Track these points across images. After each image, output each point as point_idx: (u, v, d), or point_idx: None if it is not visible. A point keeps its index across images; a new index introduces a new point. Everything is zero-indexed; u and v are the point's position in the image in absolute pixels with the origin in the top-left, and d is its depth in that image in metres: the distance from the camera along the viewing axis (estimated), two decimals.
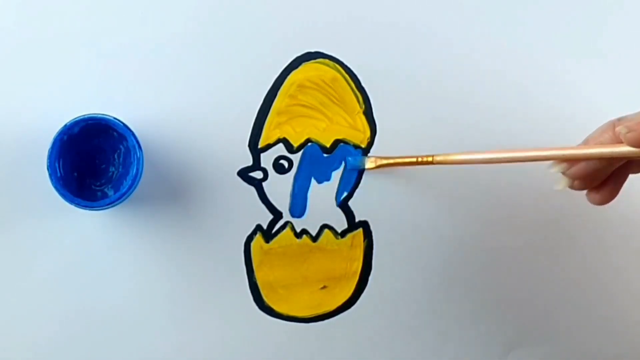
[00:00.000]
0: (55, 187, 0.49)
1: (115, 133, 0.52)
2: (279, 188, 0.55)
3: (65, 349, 0.53)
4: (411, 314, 0.56)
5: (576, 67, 0.57)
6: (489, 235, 0.57)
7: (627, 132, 0.43)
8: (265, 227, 0.55)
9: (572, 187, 0.47)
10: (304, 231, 0.55)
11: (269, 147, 0.55)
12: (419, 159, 0.52)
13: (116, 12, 0.53)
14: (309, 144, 0.55)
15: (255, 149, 0.54)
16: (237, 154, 0.54)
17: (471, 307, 0.57)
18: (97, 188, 0.53)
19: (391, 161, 0.54)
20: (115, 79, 0.53)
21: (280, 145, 0.55)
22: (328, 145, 0.55)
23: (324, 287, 0.56)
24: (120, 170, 0.53)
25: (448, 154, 0.50)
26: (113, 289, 0.53)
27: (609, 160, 0.45)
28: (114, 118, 0.50)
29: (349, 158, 0.55)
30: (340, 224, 0.55)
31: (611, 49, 0.57)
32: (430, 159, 0.51)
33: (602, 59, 0.57)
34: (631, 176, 0.47)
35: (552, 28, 0.57)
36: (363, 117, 0.55)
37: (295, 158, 0.55)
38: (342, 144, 0.55)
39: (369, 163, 0.54)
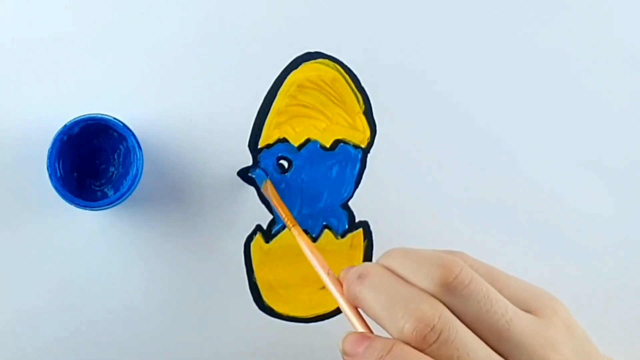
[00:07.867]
0: (55, 187, 0.49)
1: (115, 133, 0.52)
2: (279, 188, 0.55)
3: (65, 348, 0.53)
4: None
5: (577, 68, 0.57)
6: (489, 236, 0.57)
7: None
8: (265, 227, 0.55)
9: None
10: (304, 231, 0.55)
11: (269, 147, 0.55)
12: (287, 220, 0.50)
13: (116, 12, 0.53)
14: (309, 144, 0.55)
15: (255, 149, 0.54)
16: (237, 154, 0.54)
17: None
18: (97, 188, 0.53)
19: (274, 199, 0.52)
20: (115, 79, 0.53)
21: (280, 145, 0.55)
22: (328, 146, 0.55)
23: (324, 287, 0.55)
24: (120, 170, 0.53)
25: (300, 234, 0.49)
26: (113, 289, 0.53)
27: None
28: (114, 118, 0.50)
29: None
30: (340, 224, 0.55)
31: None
32: (290, 225, 0.50)
33: (603, 63, 0.57)
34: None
35: (552, 28, 0.57)
36: (363, 117, 0.55)
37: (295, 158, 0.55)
38: (342, 144, 0.55)
39: (263, 184, 0.53)
